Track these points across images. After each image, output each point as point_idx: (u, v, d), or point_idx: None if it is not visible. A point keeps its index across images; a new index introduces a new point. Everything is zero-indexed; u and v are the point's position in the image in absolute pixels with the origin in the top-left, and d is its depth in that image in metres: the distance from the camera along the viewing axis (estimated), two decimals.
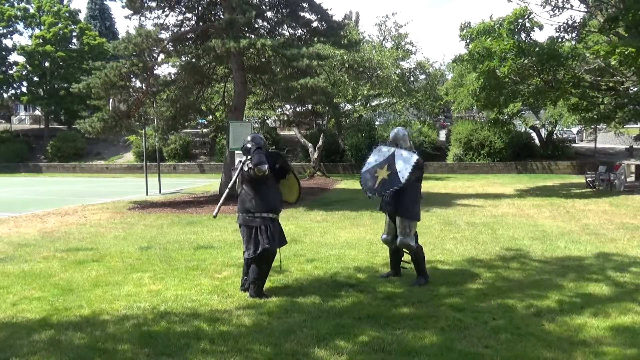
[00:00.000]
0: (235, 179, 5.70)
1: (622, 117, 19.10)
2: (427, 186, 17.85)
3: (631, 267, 6.59)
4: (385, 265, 6.58)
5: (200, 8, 16.43)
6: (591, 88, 17.14)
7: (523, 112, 23.20)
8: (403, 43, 29.65)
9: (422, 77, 30.79)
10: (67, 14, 39.97)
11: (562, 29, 16.58)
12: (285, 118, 21.93)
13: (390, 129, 30.32)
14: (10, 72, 40.50)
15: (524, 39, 15.14)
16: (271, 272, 5.96)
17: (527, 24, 15.09)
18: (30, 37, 40.19)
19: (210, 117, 23.52)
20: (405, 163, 5.92)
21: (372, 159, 6.19)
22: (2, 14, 39.17)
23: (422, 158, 6.08)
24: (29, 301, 5.50)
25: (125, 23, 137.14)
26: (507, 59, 14.60)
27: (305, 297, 5.44)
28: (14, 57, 41.24)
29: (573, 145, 30.42)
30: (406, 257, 6.18)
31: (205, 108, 19.93)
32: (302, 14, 16.22)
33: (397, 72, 27.79)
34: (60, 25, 38.79)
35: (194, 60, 16.73)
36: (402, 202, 5.93)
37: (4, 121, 47.29)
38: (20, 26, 41.70)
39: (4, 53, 40.37)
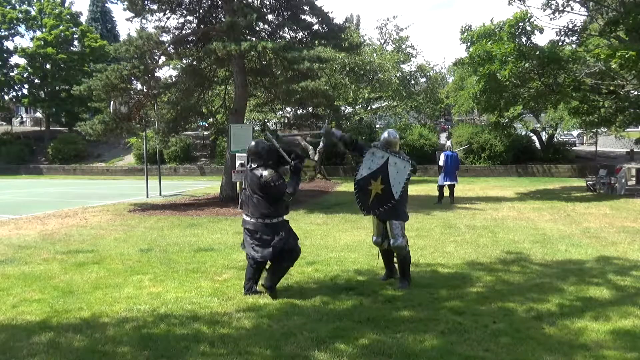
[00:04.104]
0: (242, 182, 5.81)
1: (623, 120, 19.07)
2: (427, 189, 17.87)
3: (632, 270, 6.58)
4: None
5: (201, 11, 16.47)
6: (592, 91, 17.13)
7: (524, 116, 23.14)
8: (404, 46, 29.70)
9: (423, 80, 30.81)
10: (68, 17, 40.08)
11: (562, 33, 16.60)
12: (286, 121, 21.96)
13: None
14: (12, 74, 40.60)
15: (524, 43, 15.14)
16: None
17: (528, 28, 15.10)
18: (32, 39, 40.34)
19: (211, 119, 23.55)
20: (399, 175, 5.89)
21: (366, 167, 6.10)
22: (3, 16, 39.27)
23: (415, 163, 6.09)
24: (28, 303, 5.49)
25: (126, 26, 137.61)
26: (508, 62, 14.60)
27: (305, 299, 5.44)
28: (15, 59, 41.47)
29: (574, 148, 30.38)
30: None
31: (206, 111, 19.94)
32: (303, 16, 16.23)
33: (398, 75, 27.83)
34: (61, 27, 38.90)
35: (194, 62, 16.75)
36: (396, 207, 5.92)
37: (5, 123, 47.32)
38: (21, 28, 41.87)
39: (5, 55, 40.46)
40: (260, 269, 5.71)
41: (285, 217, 5.72)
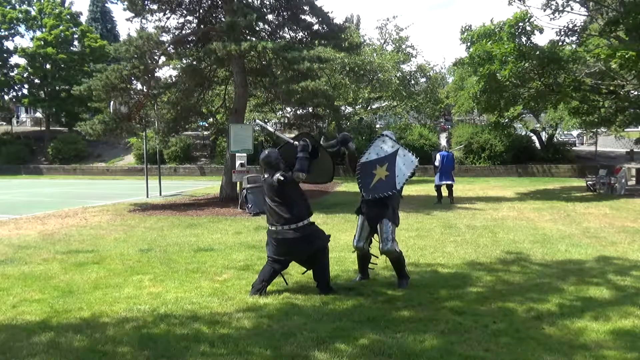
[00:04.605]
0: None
1: (623, 120, 19.10)
2: (427, 189, 17.85)
3: (632, 270, 6.58)
4: (385, 268, 6.57)
5: (201, 11, 16.48)
6: (592, 91, 17.14)
7: (524, 116, 23.17)
8: (404, 46, 29.74)
9: (423, 80, 30.85)
10: (68, 17, 40.06)
11: (562, 33, 16.60)
12: (286, 121, 21.96)
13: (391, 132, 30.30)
14: (12, 74, 40.59)
15: (524, 43, 15.14)
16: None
17: (528, 28, 15.09)
18: (32, 39, 40.32)
19: (211, 119, 23.54)
20: (405, 167, 5.87)
21: (374, 152, 6.05)
22: (3, 16, 39.26)
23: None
24: (28, 303, 5.49)
25: (126, 26, 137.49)
26: (508, 62, 14.60)
27: (305, 299, 5.44)
28: (15, 59, 41.46)
29: (574, 148, 30.39)
30: (373, 259, 6.22)
31: (206, 111, 19.95)
32: (303, 17, 16.25)
33: (398, 75, 27.87)
34: (61, 27, 38.87)
35: (194, 62, 16.75)
36: (388, 208, 5.89)
37: (5, 123, 47.31)
38: (21, 28, 41.86)
39: (5, 55, 40.45)
40: (279, 273, 5.74)
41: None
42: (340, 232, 9.93)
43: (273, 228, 5.63)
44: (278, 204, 5.56)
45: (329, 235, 5.91)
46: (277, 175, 5.50)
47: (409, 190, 16.43)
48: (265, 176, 5.70)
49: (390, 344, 4.17)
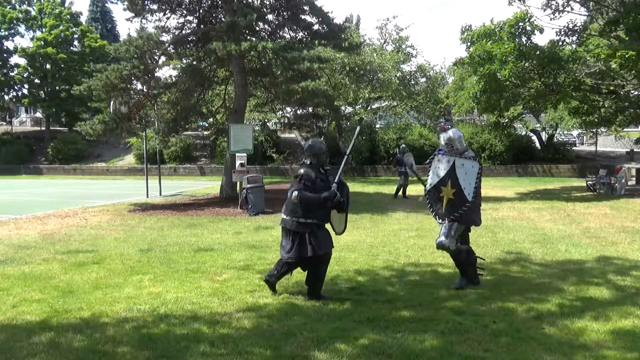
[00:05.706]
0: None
1: (623, 120, 19.09)
2: None
3: (632, 270, 6.58)
4: (385, 268, 6.56)
5: (201, 11, 16.49)
6: (592, 91, 17.13)
7: (524, 116, 23.16)
8: (404, 46, 29.75)
9: (423, 80, 30.85)
10: (68, 17, 40.07)
11: (562, 33, 16.61)
12: (286, 121, 21.95)
13: (391, 132, 29.96)
14: (12, 74, 40.59)
15: (524, 43, 15.15)
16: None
17: (528, 28, 15.11)
18: (32, 39, 40.34)
19: (211, 119, 23.54)
20: (468, 176, 5.69)
21: (434, 174, 5.89)
22: (3, 16, 39.27)
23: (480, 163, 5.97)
24: (29, 303, 5.49)
25: (126, 25, 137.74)
26: (508, 62, 14.61)
27: (305, 299, 5.44)
28: (15, 59, 41.46)
29: (574, 148, 30.38)
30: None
31: (206, 110, 19.95)
32: (303, 16, 16.25)
33: (398, 75, 27.88)
34: (61, 27, 38.89)
35: (194, 62, 16.76)
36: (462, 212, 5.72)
37: (5, 123, 47.36)
38: (21, 28, 41.84)
39: (5, 55, 40.45)
40: (289, 269, 5.62)
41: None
42: None
43: (282, 216, 5.59)
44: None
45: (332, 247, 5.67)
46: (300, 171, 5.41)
47: (410, 190, 16.43)
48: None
49: (390, 344, 4.17)
